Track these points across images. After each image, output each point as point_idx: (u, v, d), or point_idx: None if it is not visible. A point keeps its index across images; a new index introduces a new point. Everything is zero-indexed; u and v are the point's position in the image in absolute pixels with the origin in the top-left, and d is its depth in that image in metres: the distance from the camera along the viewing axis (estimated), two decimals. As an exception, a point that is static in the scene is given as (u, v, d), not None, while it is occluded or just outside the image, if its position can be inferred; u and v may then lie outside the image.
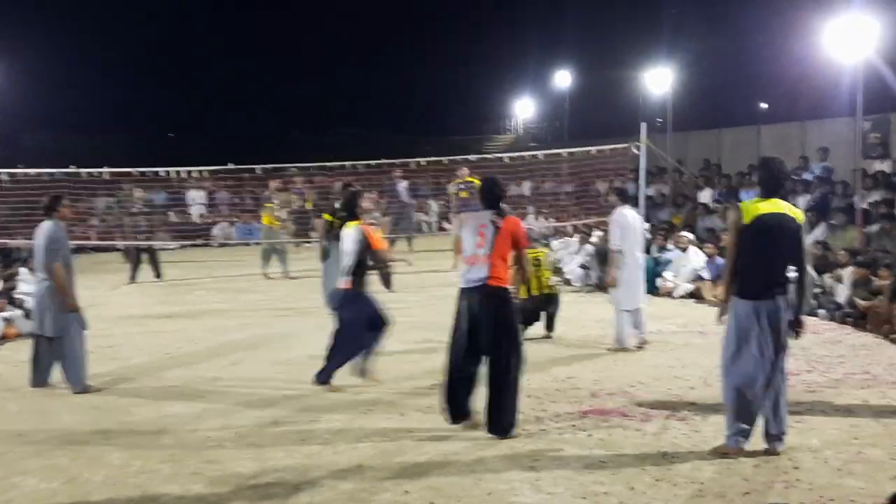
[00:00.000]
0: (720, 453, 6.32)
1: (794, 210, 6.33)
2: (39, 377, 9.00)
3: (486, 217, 6.84)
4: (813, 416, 7.22)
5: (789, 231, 6.19)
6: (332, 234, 12.67)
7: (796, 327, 6.35)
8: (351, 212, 8.73)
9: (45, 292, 8.81)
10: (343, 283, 8.36)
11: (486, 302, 6.70)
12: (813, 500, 5.45)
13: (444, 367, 6.97)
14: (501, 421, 6.75)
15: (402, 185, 25.50)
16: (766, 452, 6.30)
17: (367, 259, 8.31)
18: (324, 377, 8.34)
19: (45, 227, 8.85)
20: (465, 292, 6.82)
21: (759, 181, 6.49)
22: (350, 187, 13.42)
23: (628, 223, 9.87)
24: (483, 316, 6.70)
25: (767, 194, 6.30)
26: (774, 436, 6.34)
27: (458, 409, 6.94)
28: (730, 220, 6.35)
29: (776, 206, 6.22)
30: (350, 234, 8.41)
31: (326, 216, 12.87)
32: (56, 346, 8.86)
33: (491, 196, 6.99)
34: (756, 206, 6.22)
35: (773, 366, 6.26)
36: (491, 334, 6.71)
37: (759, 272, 6.20)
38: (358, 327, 8.28)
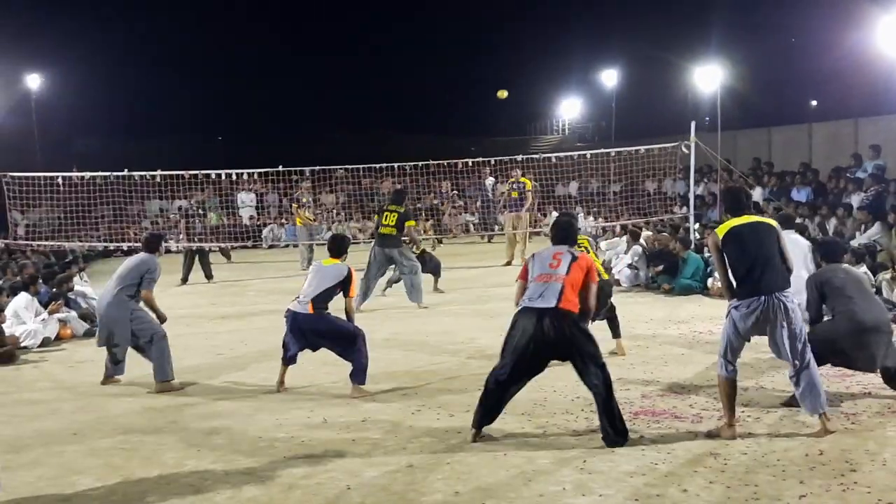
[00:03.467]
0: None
1: (766, 219, 7.11)
2: (113, 370, 9.30)
3: (563, 248, 6.98)
4: (869, 418, 7.09)
5: (764, 233, 6.75)
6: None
7: None
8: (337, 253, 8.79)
9: (113, 304, 9.07)
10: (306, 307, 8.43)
11: (557, 325, 6.58)
12: (871, 504, 5.36)
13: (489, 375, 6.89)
14: (619, 427, 6.63)
15: (489, 182, 25.64)
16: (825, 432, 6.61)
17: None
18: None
19: (146, 259, 9.25)
20: (529, 312, 6.68)
21: (726, 209, 7.28)
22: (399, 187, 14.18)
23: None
24: (551, 339, 6.58)
25: (736, 215, 6.93)
26: (814, 404, 6.67)
27: (486, 416, 6.84)
28: (710, 244, 7.14)
29: (746, 218, 6.87)
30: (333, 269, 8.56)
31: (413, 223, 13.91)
32: (145, 349, 9.14)
33: (566, 234, 7.17)
34: (727, 224, 6.89)
35: (793, 350, 6.65)
36: (579, 356, 6.67)
37: (747, 272, 6.65)
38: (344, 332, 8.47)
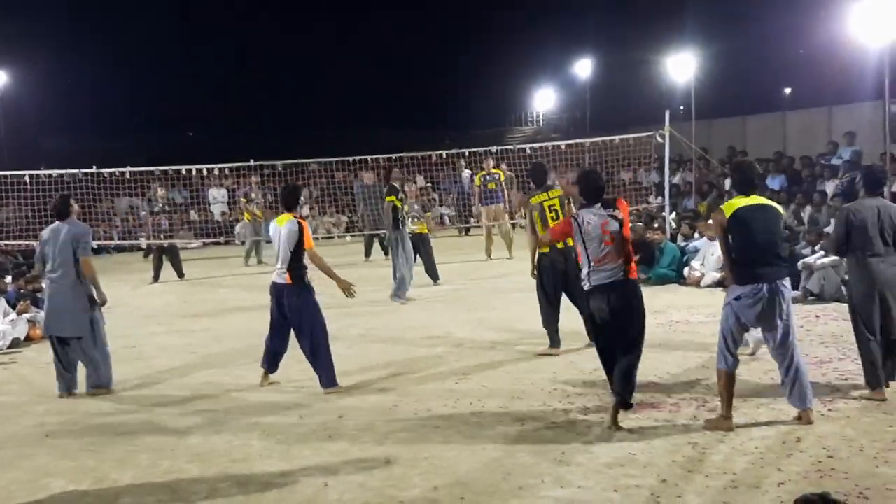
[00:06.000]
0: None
1: (773, 203, 6.83)
2: (66, 384, 8.82)
3: (604, 214, 6.85)
4: (846, 405, 7.11)
5: (770, 217, 6.65)
6: (400, 219, 13.68)
7: None
8: (289, 205, 8.70)
9: (64, 291, 8.70)
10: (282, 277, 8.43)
11: (630, 294, 6.84)
12: (849, 490, 5.33)
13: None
14: (627, 394, 6.82)
15: (467, 174, 25.57)
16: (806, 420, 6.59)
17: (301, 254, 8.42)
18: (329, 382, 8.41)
19: (65, 227, 8.75)
20: (604, 289, 6.79)
21: (733, 184, 7.05)
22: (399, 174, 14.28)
23: None
24: (626, 308, 6.80)
25: (744, 193, 6.74)
26: (804, 397, 6.62)
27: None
28: (715, 223, 6.86)
29: (753, 200, 6.68)
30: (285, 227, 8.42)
31: (395, 200, 13.59)
32: (76, 347, 8.75)
33: (597, 190, 6.99)
34: (733, 202, 6.70)
35: (784, 343, 6.61)
36: (633, 324, 6.87)
37: (750, 258, 6.55)
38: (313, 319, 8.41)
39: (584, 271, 6.94)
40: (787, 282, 6.60)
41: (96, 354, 8.77)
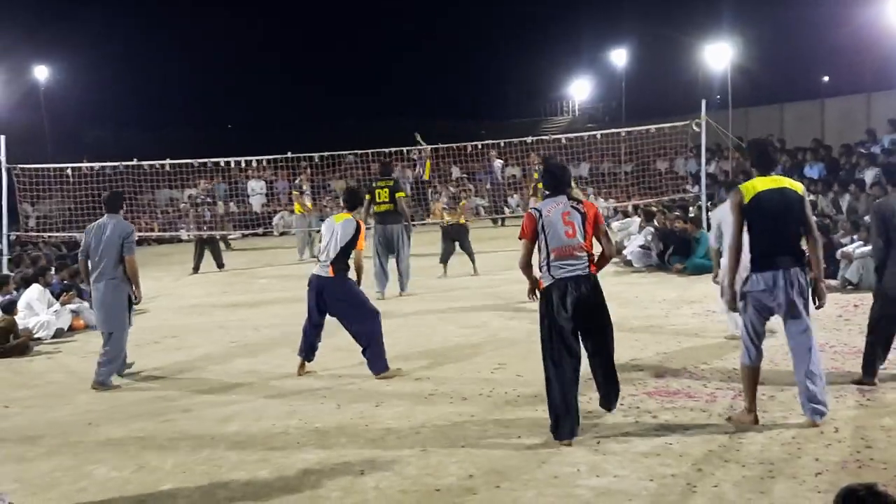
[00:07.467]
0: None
1: (794, 183, 6.51)
2: (108, 374, 8.97)
3: (567, 204, 6.49)
4: (885, 395, 7.04)
5: (791, 202, 6.33)
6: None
7: (817, 296, 6.45)
8: (350, 205, 8.94)
9: (107, 288, 8.84)
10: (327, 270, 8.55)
11: (592, 290, 6.41)
12: (887, 480, 5.27)
13: (547, 376, 6.43)
14: (614, 396, 6.86)
15: (498, 164, 25.53)
16: (810, 425, 6.32)
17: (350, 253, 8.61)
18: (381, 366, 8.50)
19: (111, 224, 8.91)
20: (564, 282, 6.35)
21: (752, 163, 6.74)
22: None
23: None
24: (589, 304, 6.40)
25: (764, 172, 6.49)
26: (816, 409, 6.35)
27: (573, 419, 6.35)
28: (732, 203, 6.48)
29: (775, 181, 6.40)
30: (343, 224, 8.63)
31: (405, 195, 13.86)
32: (110, 341, 8.88)
33: (562, 181, 6.66)
34: (754, 184, 6.39)
35: (800, 335, 6.39)
36: (599, 320, 6.53)
37: (767, 246, 6.31)
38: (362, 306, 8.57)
39: (543, 266, 6.45)
40: (803, 272, 6.34)
41: (119, 352, 8.93)
